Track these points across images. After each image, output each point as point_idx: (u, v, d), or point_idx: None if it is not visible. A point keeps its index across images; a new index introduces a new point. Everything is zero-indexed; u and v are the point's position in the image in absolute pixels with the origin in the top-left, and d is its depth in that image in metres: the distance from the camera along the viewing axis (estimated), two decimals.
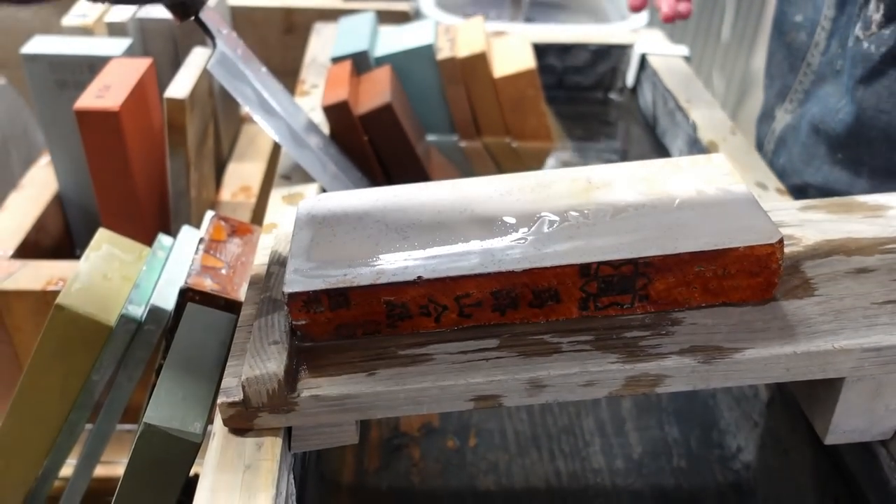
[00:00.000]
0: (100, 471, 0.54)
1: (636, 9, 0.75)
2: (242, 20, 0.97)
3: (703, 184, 0.43)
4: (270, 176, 0.77)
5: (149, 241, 0.54)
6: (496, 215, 0.42)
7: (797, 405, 0.44)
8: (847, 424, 0.41)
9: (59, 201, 0.74)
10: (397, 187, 0.46)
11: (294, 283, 0.39)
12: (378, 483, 0.54)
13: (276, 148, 0.79)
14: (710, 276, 0.39)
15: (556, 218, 0.42)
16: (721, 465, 0.56)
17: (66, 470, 0.52)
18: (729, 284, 0.40)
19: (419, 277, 0.38)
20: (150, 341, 0.49)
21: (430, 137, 0.78)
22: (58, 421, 0.49)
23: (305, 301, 0.39)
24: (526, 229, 0.41)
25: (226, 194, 0.76)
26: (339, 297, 0.39)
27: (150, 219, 0.67)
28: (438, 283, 0.39)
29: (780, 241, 0.39)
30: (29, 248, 0.68)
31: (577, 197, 0.43)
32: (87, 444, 0.51)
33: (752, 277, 0.40)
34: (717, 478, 0.55)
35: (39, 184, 0.75)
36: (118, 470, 0.64)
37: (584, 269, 0.39)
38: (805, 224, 0.46)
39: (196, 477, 0.37)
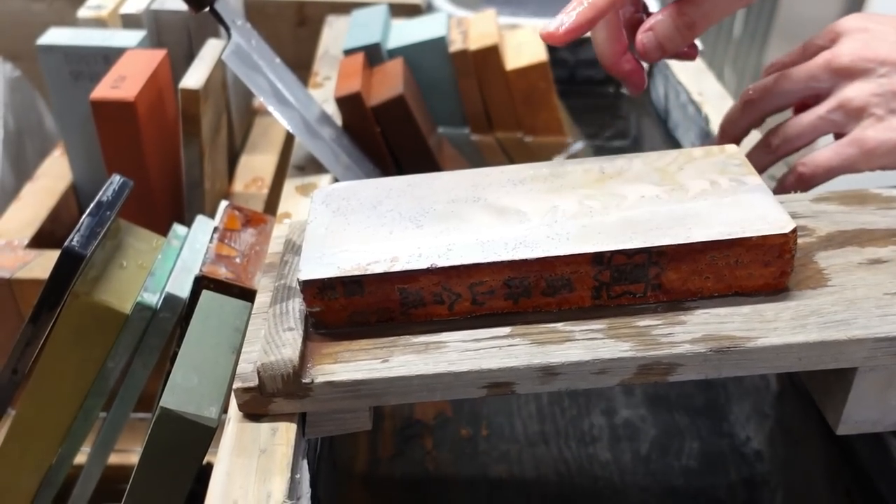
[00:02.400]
0: (113, 458, 0.54)
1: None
2: (255, 13, 0.98)
3: (716, 174, 0.43)
4: (283, 168, 0.77)
5: (163, 231, 0.54)
6: (509, 204, 0.42)
7: (808, 397, 0.44)
8: (859, 415, 0.41)
9: (73, 192, 0.75)
10: (411, 176, 0.46)
11: (309, 270, 0.39)
12: (391, 471, 0.55)
13: (289, 140, 0.80)
14: (722, 266, 0.39)
15: (569, 207, 0.42)
16: (732, 457, 0.56)
17: (80, 457, 0.53)
18: (742, 274, 0.40)
19: (433, 265, 0.39)
20: (164, 329, 0.49)
21: (442, 130, 0.78)
22: (73, 407, 0.50)
23: (320, 288, 0.39)
24: (539, 218, 0.41)
25: (238, 185, 0.76)
26: (353, 285, 0.39)
27: (165, 209, 0.68)
28: (452, 271, 0.39)
29: (794, 231, 0.39)
30: (44, 238, 0.69)
31: (589, 187, 0.43)
32: (102, 432, 0.52)
33: (765, 267, 0.40)
34: (727, 469, 0.55)
35: (54, 175, 0.76)
36: (132, 458, 0.65)
37: (597, 258, 0.39)
38: (818, 215, 0.46)
39: (209, 465, 0.38)
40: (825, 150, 0.50)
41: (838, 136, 0.50)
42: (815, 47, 0.53)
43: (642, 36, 0.50)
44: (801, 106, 0.53)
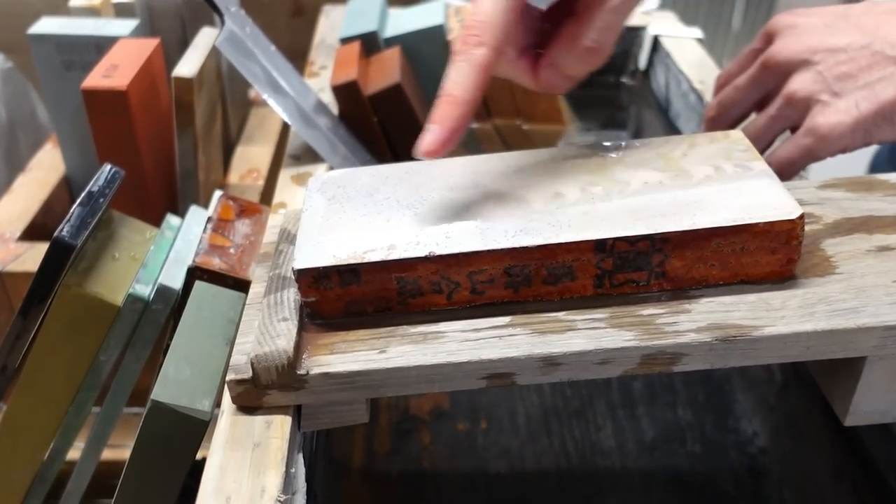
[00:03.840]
0: (107, 454, 0.53)
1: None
2: (250, 3, 0.96)
3: (721, 160, 0.42)
4: (279, 159, 0.76)
5: (156, 222, 0.53)
6: (509, 191, 0.41)
7: (813, 388, 0.44)
8: (868, 405, 0.40)
9: (66, 184, 0.74)
10: (408, 163, 0.45)
11: (304, 259, 0.38)
12: (388, 466, 0.54)
13: (285, 131, 0.79)
14: (728, 253, 0.38)
15: (571, 194, 0.41)
16: (736, 449, 0.55)
17: (74, 453, 0.52)
18: (748, 261, 0.39)
19: (430, 253, 0.38)
20: (157, 321, 0.48)
21: None
22: (65, 401, 0.49)
23: (315, 277, 0.38)
24: (540, 205, 0.40)
25: (234, 177, 0.75)
26: (349, 274, 0.38)
27: (158, 200, 0.66)
28: (451, 259, 0.38)
29: (801, 217, 0.38)
30: (36, 231, 0.68)
31: (592, 173, 0.42)
32: (95, 426, 0.51)
33: (772, 254, 0.39)
34: (731, 461, 0.54)
35: (46, 166, 0.75)
36: (125, 453, 0.64)
37: (600, 245, 0.38)
38: (825, 202, 0.45)
39: (203, 459, 0.37)
40: (784, 146, 0.50)
41: (795, 129, 0.50)
42: (754, 52, 0.54)
43: (545, 73, 0.45)
44: (762, 107, 0.53)
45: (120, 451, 0.63)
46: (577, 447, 0.56)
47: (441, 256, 0.38)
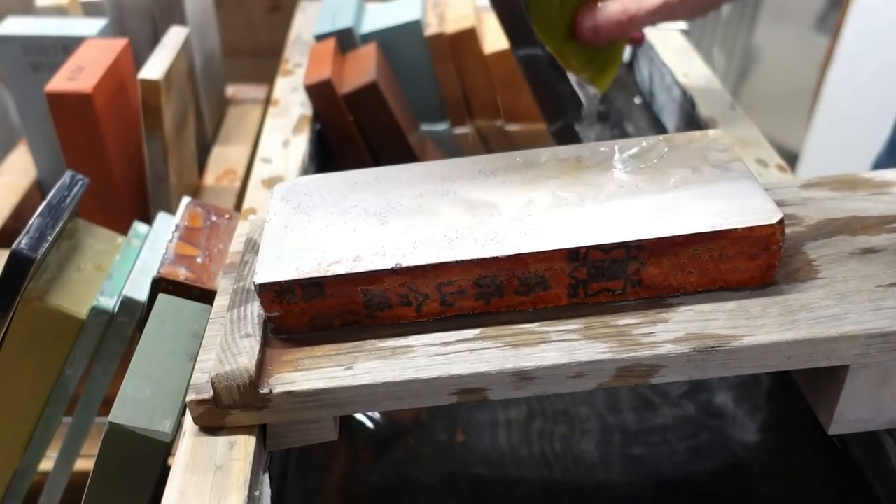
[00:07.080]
0: (81, 464, 0.52)
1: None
2: None
3: (699, 161, 0.41)
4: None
5: (127, 229, 0.52)
6: (481, 198, 0.40)
7: (800, 390, 0.42)
8: (852, 413, 0.39)
9: (38, 188, 0.72)
10: (377, 169, 0.44)
11: (266, 272, 0.37)
12: (366, 477, 0.53)
13: (262, 130, 0.77)
14: (706, 260, 0.37)
15: (544, 200, 0.39)
16: (720, 452, 0.54)
17: (48, 464, 0.50)
18: (726, 268, 0.37)
19: (397, 265, 0.36)
20: (124, 333, 0.47)
21: (424, 127, 0.75)
22: (32, 416, 0.48)
23: (278, 291, 0.36)
24: (511, 212, 0.39)
25: (210, 178, 0.74)
26: (313, 288, 0.37)
27: (128, 206, 0.65)
28: (419, 270, 0.37)
29: (781, 222, 0.37)
30: (7, 237, 0.66)
31: (565, 177, 0.41)
32: (66, 439, 0.50)
33: (752, 260, 0.37)
34: (715, 465, 0.53)
35: (17, 170, 0.73)
36: None
37: (573, 254, 0.36)
38: (807, 203, 0.44)
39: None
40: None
41: None
42: None
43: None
44: None
45: (93, 461, 0.62)
46: (558, 449, 0.55)
47: (408, 268, 0.36)
